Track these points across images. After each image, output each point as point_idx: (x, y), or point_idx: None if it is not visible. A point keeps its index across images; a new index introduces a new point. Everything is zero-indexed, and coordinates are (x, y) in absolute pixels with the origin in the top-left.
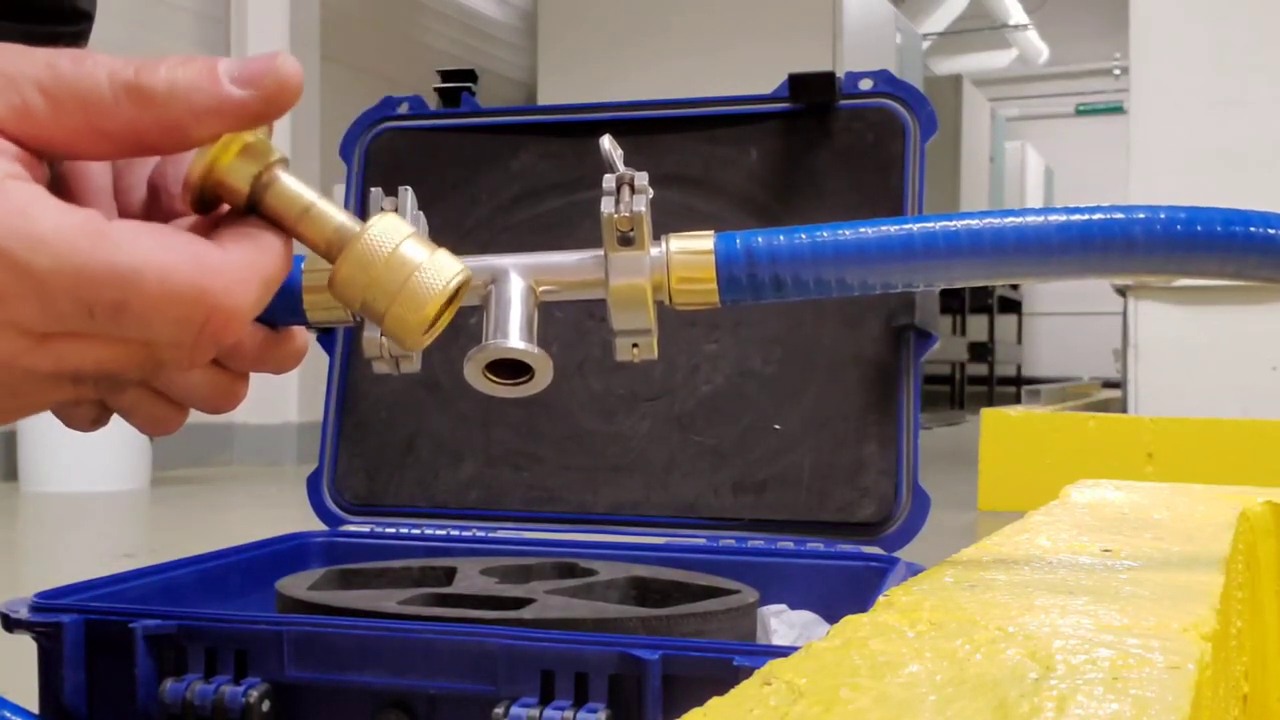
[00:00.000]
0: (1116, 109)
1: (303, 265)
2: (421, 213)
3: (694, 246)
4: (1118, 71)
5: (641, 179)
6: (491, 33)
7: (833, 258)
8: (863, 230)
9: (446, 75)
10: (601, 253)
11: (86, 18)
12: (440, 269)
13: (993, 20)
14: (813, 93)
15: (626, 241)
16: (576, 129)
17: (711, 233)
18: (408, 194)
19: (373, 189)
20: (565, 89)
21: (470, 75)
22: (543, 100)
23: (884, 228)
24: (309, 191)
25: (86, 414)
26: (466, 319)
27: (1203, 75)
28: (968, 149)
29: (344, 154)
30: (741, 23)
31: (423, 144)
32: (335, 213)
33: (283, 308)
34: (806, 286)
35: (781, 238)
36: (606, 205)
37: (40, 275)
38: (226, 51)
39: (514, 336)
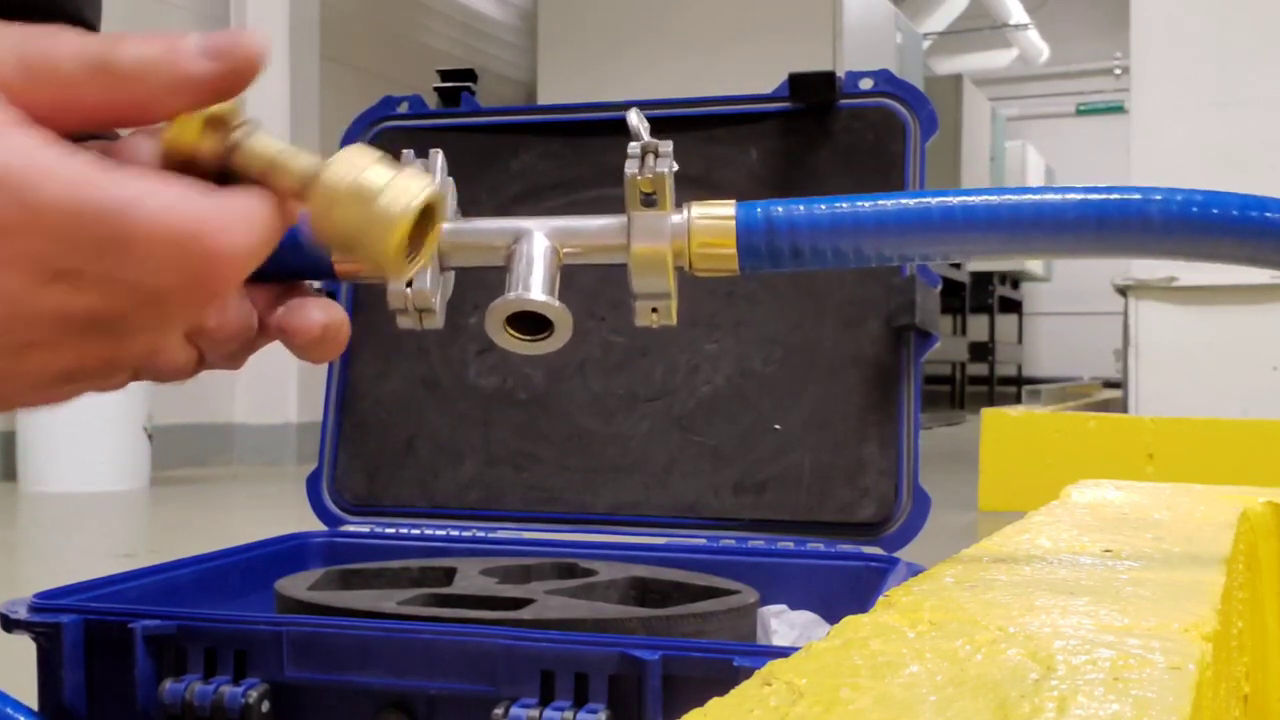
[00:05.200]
0: (1116, 109)
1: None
2: (451, 179)
3: (715, 213)
4: (1118, 71)
5: (666, 147)
6: (491, 33)
7: (851, 229)
8: (881, 202)
9: (446, 75)
10: (624, 218)
11: (91, 30)
12: (405, 188)
13: (993, 20)
14: (813, 92)
15: (649, 203)
16: (576, 129)
17: (732, 201)
18: (438, 156)
19: (404, 150)
20: (565, 89)
21: (470, 75)
22: (543, 100)
23: (902, 200)
24: (276, 144)
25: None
26: (466, 318)
27: (1203, 75)
28: (968, 149)
29: None
30: (741, 23)
31: (423, 144)
32: (303, 157)
33: (311, 262)
34: (824, 256)
35: (801, 208)
36: (631, 167)
37: (43, 208)
38: None
39: (536, 289)
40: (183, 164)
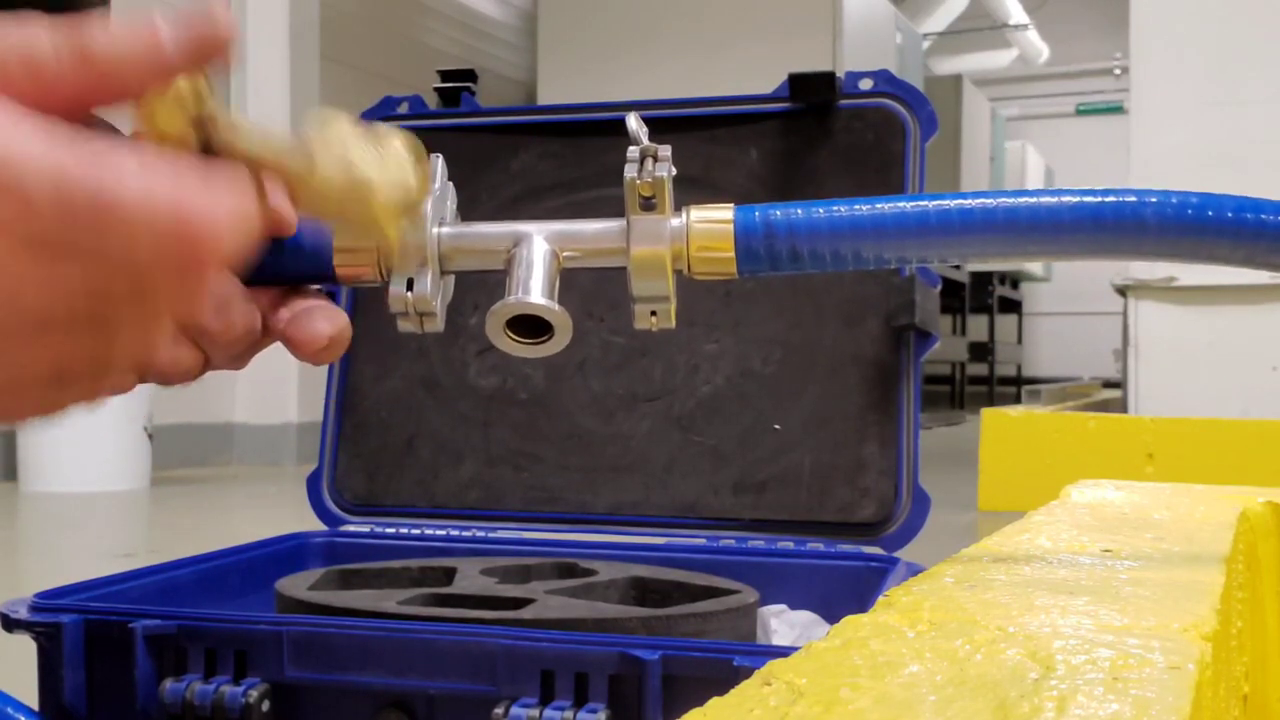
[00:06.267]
0: (1116, 109)
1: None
2: (451, 183)
3: (714, 217)
4: (1118, 71)
5: (665, 151)
6: (491, 33)
7: (849, 232)
8: (879, 206)
9: (446, 75)
10: (623, 222)
11: (102, 3)
12: (393, 153)
13: (993, 20)
14: (813, 92)
15: (648, 207)
16: (576, 129)
17: (731, 205)
18: (438, 160)
19: None
20: (565, 89)
21: (470, 75)
22: (543, 100)
23: (899, 204)
24: (250, 121)
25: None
26: (466, 319)
27: (1203, 75)
28: (968, 149)
29: None
30: (741, 23)
31: (422, 144)
32: (279, 133)
33: (310, 265)
34: (823, 259)
35: (799, 211)
36: (630, 171)
37: (23, 183)
38: None
39: (536, 293)
40: (158, 143)
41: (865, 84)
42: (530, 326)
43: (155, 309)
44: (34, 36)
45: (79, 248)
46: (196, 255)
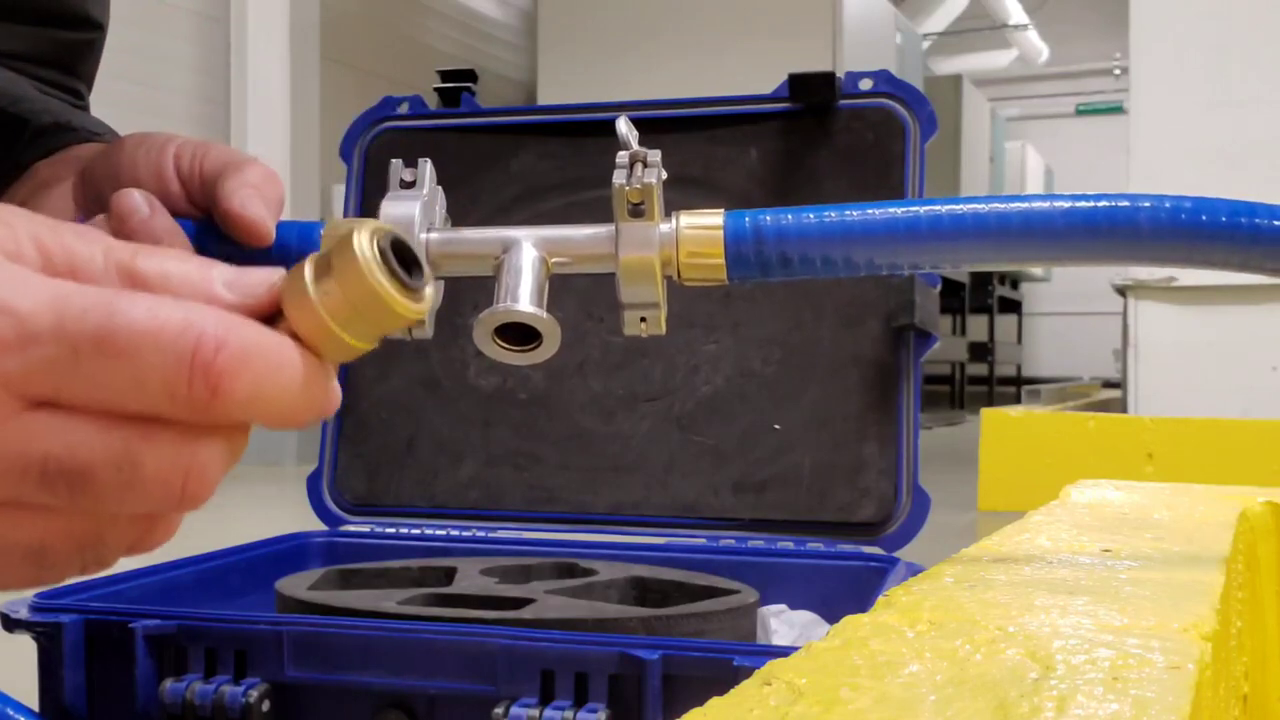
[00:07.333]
0: (1116, 109)
1: (323, 230)
2: (440, 188)
3: (703, 223)
4: (1118, 71)
5: (654, 156)
6: (491, 33)
7: (840, 238)
8: (870, 211)
9: (446, 75)
10: (613, 228)
11: (98, 27)
12: (358, 238)
13: (993, 20)
14: (813, 93)
15: (637, 214)
16: (576, 129)
17: (721, 210)
18: (426, 165)
19: (393, 160)
20: (565, 89)
21: (470, 75)
22: (543, 100)
23: (890, 209)
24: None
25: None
26: (465, 319)
27: (1203, 75)
28: (968, 149)
29: (344, 154)
30: (741, 23)
31: (423, 144)
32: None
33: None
34: (813, 265)
35: (789, 217)
36: (618, 178)
37: (22, 310)
38: (226, 51)
39: (524, 300)
40: None
41: (865, 84)
42: (519, 334)
43: (156, 441)
44: (89, 242)
45: (73, 393)
46: (205, 362)
